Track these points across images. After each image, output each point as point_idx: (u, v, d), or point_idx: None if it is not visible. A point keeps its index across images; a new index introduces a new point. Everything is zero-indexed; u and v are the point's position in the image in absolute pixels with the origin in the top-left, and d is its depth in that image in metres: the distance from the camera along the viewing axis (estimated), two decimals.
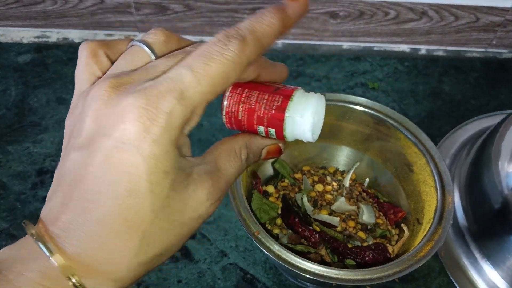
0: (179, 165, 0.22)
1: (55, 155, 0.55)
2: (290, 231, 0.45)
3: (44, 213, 0.21)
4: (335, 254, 0.43)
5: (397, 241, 0.45)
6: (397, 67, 0.70)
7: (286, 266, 0.36)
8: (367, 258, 0.42)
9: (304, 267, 0.36)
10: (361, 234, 0.45)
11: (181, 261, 0.47)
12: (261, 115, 0.25)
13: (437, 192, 0.41)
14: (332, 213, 0.47)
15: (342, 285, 0.36)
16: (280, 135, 0.26)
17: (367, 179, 0.50)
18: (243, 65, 0.22)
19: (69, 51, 0.68)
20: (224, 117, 0.27)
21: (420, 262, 0.37)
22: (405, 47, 0.73)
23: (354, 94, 0.59)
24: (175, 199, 0.21)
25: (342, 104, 0.47)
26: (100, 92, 0.21)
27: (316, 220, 0.45)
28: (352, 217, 0.46)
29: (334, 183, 0.50)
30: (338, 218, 0.46)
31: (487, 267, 0.45)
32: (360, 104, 0.47)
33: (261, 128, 0.26)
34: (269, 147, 0.27)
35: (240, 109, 0.26)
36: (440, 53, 0.73)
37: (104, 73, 0.24)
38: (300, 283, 0.45)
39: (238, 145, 0.26)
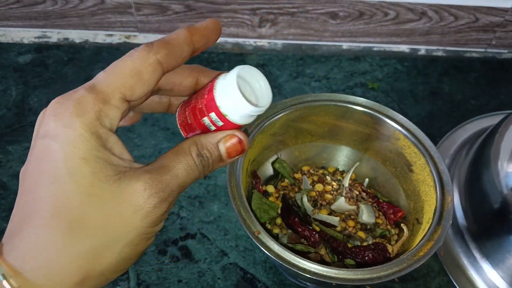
0: (102, 156, 0.22)
1: None
2: (290, 230, 0.45)
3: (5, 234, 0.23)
4: (335, 253, 0.43)
5: (396, 241, 0.45)
6: (397, 67, 0.70)
7: (286, 265, 0.36)
8: (366, 258, 0.42)
9: (304, 266, 0.36)
10: (361, 233, 0.45)
11: (182, 261, 0.47)
12: (200, 106, 0.26)
13: (436, 192, 0.41)
14: (331, 213, 0.47)
15: (341, 285, 0.36)
16: (222, 117, 0.26)
17: (367, 179, 0.51)
18: (152, 62, 0.25)
19: (70, 51, 0.69)
20: (180, 130, 0.28)
21: (419, 262, 0.37)
22: (404, 47, 0.73)
23: (353, 94, 0.59)
24: (104, 189, 0.22)
25: (342, 104, 0.47)
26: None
27: (316, 219, 0.46)
28: (352, 217, 0.47)
29: (334, 183, 0.50)
30: (337, 218, 0.46)
31: (486, 267, 0.46)
32: (359, 104, 0.47)
33: (206, 120, 0.26)
34: (225, 141, 0.27)
35: (187, 113, 0.27)
36: (440, 53, 0.73)
37: None
38: (300, 283, 0.45)
39: (187, 144, 0.26)
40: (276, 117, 0.46)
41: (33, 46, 0.69)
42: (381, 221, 0.47)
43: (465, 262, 0.47)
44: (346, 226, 0.46)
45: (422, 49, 0.73)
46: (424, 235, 0.39)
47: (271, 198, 0.47)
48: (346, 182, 0.49)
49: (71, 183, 0.21)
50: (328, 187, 0.49)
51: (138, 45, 0.76)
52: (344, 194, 0.48)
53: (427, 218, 0.41)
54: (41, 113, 0.24)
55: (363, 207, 0.47)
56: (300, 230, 0.44)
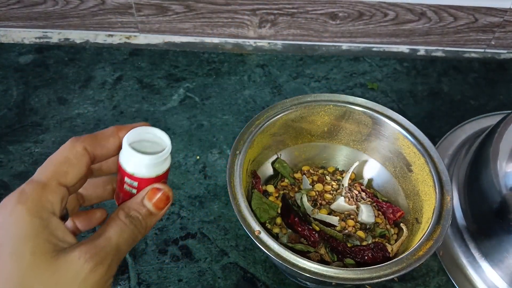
0: (43, 236, 0.25)
1: None
2: (290, 230, 0.45)
3: None
4: (335, 253, 0.43)
5: (396, 241, 0.45)
6: (396, 68, 0.70)
7: (286, 265, 0.36)
8: (366, 257, 0.42)
9: (304, 266, 0.36)
10: (360, 233, 0.45)
11: (182, 260, 0.47)
12: (118, 178, 0.31)
13: (436, 192, 0.41)
14: (331, 212, 0.47)
15: (341, 284, 0.37)
16: (133, 177, 0.30)
17: (366, 179, 0.51)
18: (79, 149, 0.29)
19: (70, 51, 0.69)
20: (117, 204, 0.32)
21: (419, 261, 0.37)
22: (404, 48, 0.73)
23: (353, 94, 0.59)
24: (42, 264, 0.25)
25: (342, 104, 0.48)
26: None
27: (315, 219, 0.46)
28: (352, 216, 0.47)
29: (334, 183, 0.50)
30: (337, 218, 0.46)
31: (485, 266, 0.46)
32: (359, 104, 0.48)
33: (126, 187, 0.31)
34: (149, 197, 0.30)
35: (116, 187, 0.32)
36: (439, 54, 0.73)
37: None
38: (299, 282, 0.45)
39: (115, 211, 0.30)
40: (276, 117, 0.46)
41: (34, 47, 0.69)
42: (380, 221, 0.47)
43: (464, 261, 0.47)
44: (346, 225, 0.46)
45: (422, 50, 0.73)
46: (423, 235, 0.39)
47: (271, 198, 0.47)
48: (346, 182, 0.49)
49: (11, 262, 0.24)
50: (328, 187, 0.49)
51: (138, 45, 0.76)
52: (343, 194, 0.48)
53: (427, 217, 0.42)
54: None
55: (362, 206, 0.47)
56: (300, 229, 0.44)
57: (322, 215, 0.46)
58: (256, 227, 0.38)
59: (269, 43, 0.72)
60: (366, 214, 0.46)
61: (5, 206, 0.26)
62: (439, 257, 0.48)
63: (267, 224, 0.45)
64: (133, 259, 0.47)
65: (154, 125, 0.59)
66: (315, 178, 0.50)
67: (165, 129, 0.59)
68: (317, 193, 0.49)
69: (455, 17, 0.69)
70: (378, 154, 0.50)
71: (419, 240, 0.38)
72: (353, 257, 0.43)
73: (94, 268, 0.26)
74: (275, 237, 0.44)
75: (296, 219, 0.44)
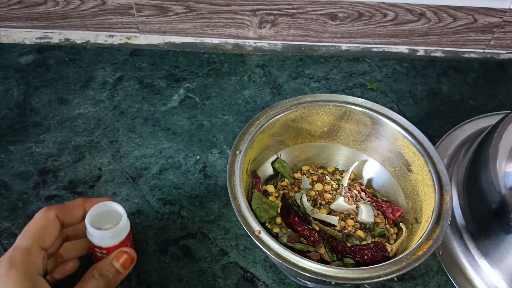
0: None
1: (57, 155, 0.56)
2: (290, 230, 0.45)
3: None
4: (334, 253, 0.43)
5: (395, 240, 0.45)
6: (396, 68, 0.70)
7: (286, 265, 0.36)
8: (365, 257, 0.42)
9: (304, 265, 0.36)
10: (360, 233, 0.45)
11: (182, 260, 0.47)
12: (91, 246, 0.40)
13: (435, 192, 0.42)
14: (331, 212, 0.47)
15: (341, 284, 0.37)
16: (101, 248, 0.39)
17: (366, 179, 0.51)
18: (52, 217, 0.37)
19: (71, 52, 0.69)
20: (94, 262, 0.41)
21: (418, 261, 0.37)
22: (403, 48, 0.74)
23: (353, 94, 0.59)
24: None
25: (341, 104, 0.48)
26: None
27: (315, 219, 0.46)
28: (351, 216, 0.47)
29: (333, 183, 0.50)
30: (337, 217, 0.46)
31: (485, 266, 0.46)
32: (359, 104, 0.48)
33: (98, 253, 0.40)
34: (117, 258, 0.39)
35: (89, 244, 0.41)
36: (438, 54, 0.73)
37: None
38: (299, 282, 0.45)
39: (90, 270, 0.38)
40: (276, 117, 0.46)
41: (34, 47, 0.69)
42: (380, 221, 0.47)
43: (464, 261, 0.47)
44: (346, 225, 0.46)
45: (421, 50, 0.73)
46: (423, 235, 0.39)
47: (271, 198, 0.48)
48: (345, 182, 0.50)
49: None
50: (328, 187, 0.49)
51: (139, 45, 0.76)
52: (343, 193, 0.48)
53: (426, 217, 0.42)
54: None
55: (362, 206, 0.47)
56: (299, 229, 0.44)
57: (322, 215, 0.46)
58: (256, 227, 0.38)
59: (269, 43, 0.73)
60: (366, 214, 0.46)
61: None
62: (439, 256, 0.48)
63: (267, 224, 0.45)
64: None
65: (154, 125, 0.59)
66: (315, 178, 0.50)
67: (166, 129, 0.59)
68: (317, 193, 0.49)
69: (454, 17, 0.69)
70: (378, 154, 0.50)
71: (419, 240, 0.39)
72: (353, 257, 0.43)
73: None
74: (275, 237, 0.45)
75: (296, 218, 0.44)
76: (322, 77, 0.68)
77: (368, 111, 0.47)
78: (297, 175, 0.51)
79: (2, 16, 0.70)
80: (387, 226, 0.47)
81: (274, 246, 0.37)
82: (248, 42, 0.72)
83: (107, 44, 0.71)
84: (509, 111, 0.50)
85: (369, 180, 0.51)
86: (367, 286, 0.46)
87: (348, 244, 0.44)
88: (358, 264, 0.43)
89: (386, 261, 0.37)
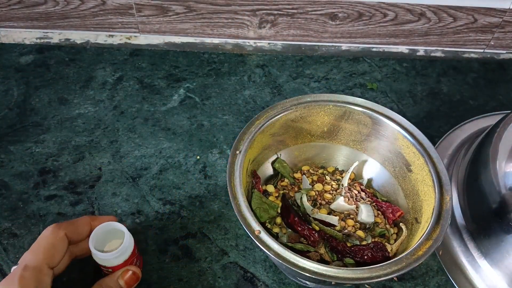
0: None
1: (57, 155, 0.56)
2: (290, 230, 0.45)
3: None
4: (334, 253, 0.43)
5: (395, 240, 0.45)
6: (396, 68, 0.70)
7: (286, 264, 0.36)
8: (365, 257, 0.42)
9: (304, 265, 0.36)
10: (360, 233, 0.45)
11: (182, 260, 0.47)
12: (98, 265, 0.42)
13: (435, 192, 0.42)
14: (331, 212, 0.47)
15: (341, 284, 0.37)
16: (107, 267, 0.41)
17: (366, 179, 0.51)
18: (62, 236, 0.38)
19: (71, 52, 0.69)
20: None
21: (418, 261, 0.37)
22: (403, 48, 0.74)
23: (353, 94, 0.59)
24: None
25: (341, 104, 0.48)
26: None
27: (315, 219, 0.46)
28: (351, 216, 0.47)
29: (333, 183, 0.50)
30: (337, 217, 0.46)
31: (485, 266, 0.46)
32: (359, 104, 0.48)
33: (102, 268, 0.41)
34: (122, 276, 0.40)
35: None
36: (438, 54, 0.73)
37: None
38: (299, 282, 0.45)
39: (95, 286, 0.40)
40: (276, 117, 0.46)
41: (34, 47, 0.69)
42: (380, 221, 0.47)
43: (464, 261, 0.47)
44: (346, 225, 0.46)
45: (421, 50, 0.73)
46: (423, 235, 0.39)
47: (271, 198, 0.48)
48: (345, 182, 0.50)
49: None
50: (328, 187, 0.49)
51: (139, 45, 0.76)
52: (343, 193, 0.48)
53: (426, 217, 0.42)
54: None
55: (362, 206, 0.47)
56: (299, 229, 0.44)
57: (322, 215, 0.46)
58: (256, 227, 0.38)
59: (269, 43, 0.73)
60: (366, 213, 0.47)
61: None
62: (439, 256, 0.48)
63: (267, 224, 0.45)
64: None
65: (154, 125, 0.59)
66: (315, 178, 0.50)
67: (166, 129, 0.59)
68: (317, 193, 0.49)
69: (454, 17, 0.69)
70: (378, 154, 0.50)
71: (419, 240, 0.39)
72: (353, 257, 0.43)
73: None
74: (275, 237, 0.45)
75: (296, 218, 0.44)
76: (322, 77, 0.68)
77: (368, 111, 0.47)
78: (297, 175, 0.51)
79: (2, 16, 0.70)
80: (387, 226, 0.47)
81: (274, 246, 0.37)
82: (248, 42, 0.72)
83: (107, 44, 0.71)
84: (509, 111, 0.50)
85: (369, 180, 0.51)
86: (367, 286, 0.46)
87: (348, 244, 0.44)
88: (358, 264, 0.43)
89: (386, 261, 0.37)
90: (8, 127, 0.59)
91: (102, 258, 0.40)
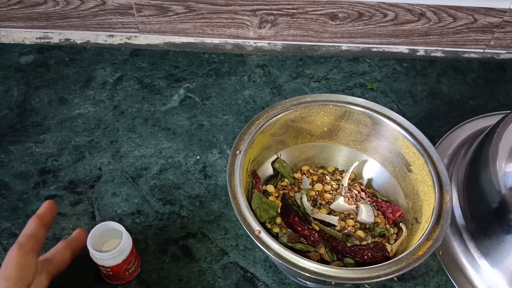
0: None
1: (57, 155, 0.56)
2: (290, 230, 0.45)
3: None
4: (334, 252, 0.43)
5: (395, 240, 0.45)
6: (396, 68, 0.70)
7: (286, 264, 0.36)
8: (365, 257, 0.42)
9: (304, 265, 0.36)
10: (360, 233, 0.45)
11: (182, 260, 0.47)
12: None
13: (435, 192, 0.42)
14: (331, 212, 0.47)
15: (341, 284, 0.37)
16: (106, 267, 0.41)
17: (366, 179, 0.51)
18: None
19: (71, 52, 0.69)
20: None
21: (418, 261, 0.37)
22: (403, 48, 0.74)
23: (353, 94, 0.59)
24: None
25: (341, 104, 0.48)
26: None
27: (315, 219, 0.46)
28: (351, 216, 0.47)
29: (333, 183, 0.50)
30: (337, 217, 0.46)
31: (485, 266, 0.46)
32: (359, 104, 0.48)
33: (101, 268, 0.42)
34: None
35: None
36: (438, 54, 0.73)
37: None
38: (299, 282, 0.45)
39: None
40: (276, 117, 0.46)
41: (34, 47, 0.69)
42: (380, 221, 0.47)
43: (464, 261, 0.47)
44: (346, 225, 0.46)
45: (421, 50, 0.73)
46: (423, 235, 0.39)
47: (271, 198, 0.48)
48: (345, 182, 0.50)
49: None
50: (328, 187, 0.49)
51: (139, 45, 0.76)
52: (343, 193, 0.48)
53: (426, 217, 0.42)
54: None
55: (362, 206, 0.47)
56: (299, 229, 0.44)
57: (322, 215, 0.46)
58: (256, 226, 0.38)
59: (269, 43, 0.73)
60: (366, 213, 0.47)
61: None
62: (439, 256, 0.48)
63: (267, 224, 0.45)
64: None
65: (154, 125, 0.59)
66: (315, 178, 0.50)
67: (166, 129, 0.59)
68: (317, 193, 0.49)
69: (454, 17, 0.69)
70: (378, 154, 0.50)
71: (419, 240, 0.39)
72: (353, 257, 0.43)
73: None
74: (275, 237, 0.45)
75: (296, 218, 0.44)
76: (322, 77, 0.68)
77: (368, 111, 0.47)
78: (297, 175, 0.51)
79: (2, 16, 0.70)
80: (387, 226, 0.47)
81: (274, 246, 0.37)
82: (248, 42, 0.72)
83: (107, 44, 0.71)
84: (509, 111, 0.50)
85: (369, 180, 0.51)
86: (367, 286, 0.46)
87: (348, 244, 0.44)
88: (358, 264, 0.43)
89: (386, 261, 0.37)
90: (8, 127, 0.59)
91: (100, 258, 0.40)
